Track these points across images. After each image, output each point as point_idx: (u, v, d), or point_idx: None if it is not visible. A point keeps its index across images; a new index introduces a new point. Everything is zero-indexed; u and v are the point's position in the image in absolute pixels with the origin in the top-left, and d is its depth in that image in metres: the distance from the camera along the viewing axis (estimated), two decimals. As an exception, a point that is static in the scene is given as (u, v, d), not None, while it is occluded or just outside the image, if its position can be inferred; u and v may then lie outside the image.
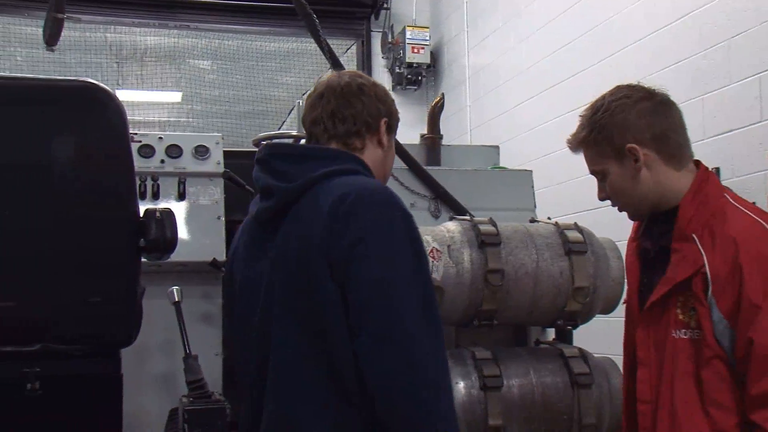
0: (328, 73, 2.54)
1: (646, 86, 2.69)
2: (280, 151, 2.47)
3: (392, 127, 2.53)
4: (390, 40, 10.50)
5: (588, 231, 3.75)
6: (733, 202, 2.55)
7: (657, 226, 2.65)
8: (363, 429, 2.15)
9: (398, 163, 4.05)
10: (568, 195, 6.65)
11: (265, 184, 2.35)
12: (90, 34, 10.00)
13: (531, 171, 4.49)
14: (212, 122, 9.92)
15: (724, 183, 4.38)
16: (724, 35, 4.91)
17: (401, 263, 2.15)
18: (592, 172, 2.70)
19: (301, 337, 2.17)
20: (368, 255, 2.12)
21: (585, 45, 7.15)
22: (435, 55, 10.41)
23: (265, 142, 2.47)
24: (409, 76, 10.29)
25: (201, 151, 4.39)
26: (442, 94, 5.69)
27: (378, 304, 2.09)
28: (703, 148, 4.74)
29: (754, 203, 2.70)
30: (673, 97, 4.94)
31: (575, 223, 3.80)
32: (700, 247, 2.45)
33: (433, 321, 2.14)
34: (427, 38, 10.24)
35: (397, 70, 10.32)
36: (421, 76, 10.35)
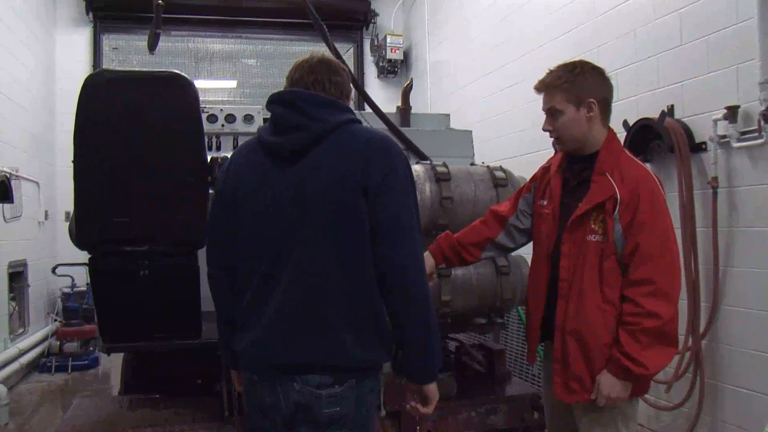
0: (311, 51, 2.35)
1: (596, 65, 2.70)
2: (306, 97, 2.18)
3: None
4: (376, 44, 10.44)
5: (509, 171, 3.79)
6: (629, 155, 2.67)
7: (577, 164, 2.69)
8: (376, 320, 2.13)
9: (381, 125, 4.08)
10: (496, 147, 6.70)
11: (297, 121, 2.13)
12: (177, 43, 10.15)
13: (471, 131, 4.52)
14: (256, 100, 9.91)
15: (676, 118, 4.51)
16: (675, 5, 4.66)
17: (410, 195, 2.15)
18: (549, 109, 2.65)
19: (331, 238, 2.08)
20: (393, 188, 2.09)
21: (506, 49, 7.15)
22: (406, 54, 10.34)
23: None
24: (388, 68, 10.30)
25: (248, 118, 4.40)
26: (411, 79, 5.68)
27: (399, 223, 2.08)
28: (659, 95, 4.78)
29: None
30: (631, 56, 4.97)
31: (500, 165, 3.83)
32: (612, 180, 2.53)
33: (419, 226, 2.17)
34: (401, 42, 10.20)
35: (381, 64, 10.34)
36: (397, 67, 10.32)
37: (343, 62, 4.32)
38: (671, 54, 4.73)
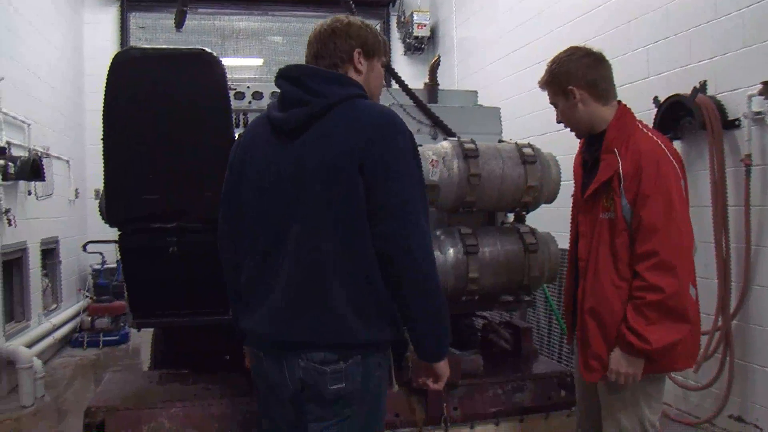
0: (318, 22, 2.33)
1: (587, 47, 2.73)
2: (311, 73, 2.16)
3: (369, 53, 2.27)
4: (402, 20, 10.38)
5: (537, 148, 3.74)
6: (642, 128, 2.64)
7: (593, 144, 2.72)
8: (378, 298, 2.08)
9: (408, 101, 4.05)
10: (525, 124, 6.64)
11: (299, 96, 2.11)
12: (203, 21, 10.19)
13: (499, 107, 4.46)
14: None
15: (709, 95, 4.46)
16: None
17: (414, 173, 2.08)
18: (552, 103, 2.77)
19: (330, 215, 2.03)
20: (394, 165, 2.02)
21: (535, 25, 7.06)
22: (433, 30, 10.26)
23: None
24: (415, 45, 10.22)
25: (275, 95, 4.37)
26: (439, 56, 5.63)
27: (402, 203, 2.01)
28: (691, 70, 4.72)
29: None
30: (663, 31, 4.89)
31: (529, 142, 3.77)
32: (618, 157, 2.54)
33: (426, 211, 2.09)
34: (428, 19, 10.11)
35: (407, 41, 10.26)
36: (423, 44, 10.25)
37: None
38: (705, 28, 4.63)
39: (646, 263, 2.43)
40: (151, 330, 4.42)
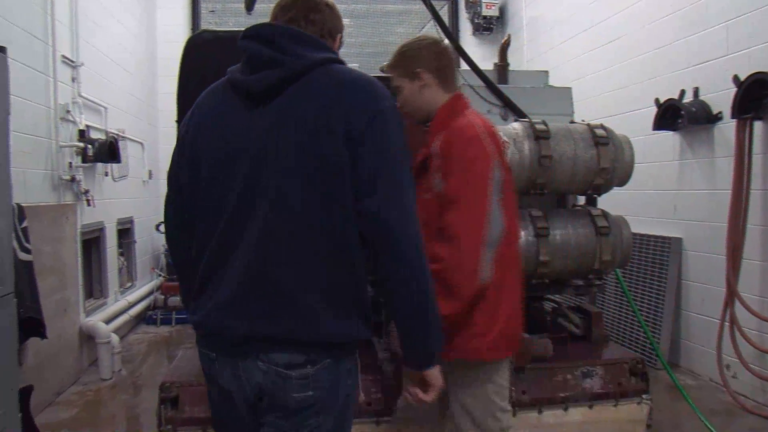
0: None
1: (435, 36, 2.85)
2: (284, 32, 1.90)
3: (341, 45, 2.13)
4: (471, 0, 10.25)
5: (610, 129, 3.65)
6: (467, 113, 2.66)
7: None
8: (355, 287, 1.83)
9: (478, 81, 4.00)
10: (597, 104, 6.49)
11: (271, 56, 1.85)
12: (272, 5, 10.23)
13: (570, 88, 4.37)
14: (350, 60, 10.11)
15: None
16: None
17: (401, 142, 1.85)
18: (394, 86, 2.76)
19: (307, 188, 1.77)
20: (383, 131, 1.80)
21: (607, 3, 6.88)
22: (502, 10, 10.14)
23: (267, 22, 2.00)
24: (484, 25, 10.11)
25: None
26: (509, 35, 5.55)
27: (389, 172, 1.79)
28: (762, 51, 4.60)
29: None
30: (744, 4, 4.88)
31: (601, 123, 3.69)
32: (436, 138, 2.60)
33: (413, 189, 1.87)
34: (497, -1, 10.02)
35: (476, 21, 10.15)
36: (492, 24, 10.13)
37: (440, 20, 4.26)
38: (791, 1, 4.42)
39: (440, 235, 2.43)
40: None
